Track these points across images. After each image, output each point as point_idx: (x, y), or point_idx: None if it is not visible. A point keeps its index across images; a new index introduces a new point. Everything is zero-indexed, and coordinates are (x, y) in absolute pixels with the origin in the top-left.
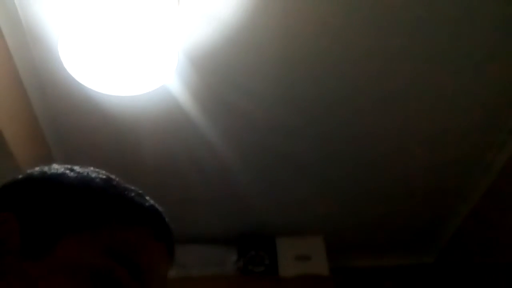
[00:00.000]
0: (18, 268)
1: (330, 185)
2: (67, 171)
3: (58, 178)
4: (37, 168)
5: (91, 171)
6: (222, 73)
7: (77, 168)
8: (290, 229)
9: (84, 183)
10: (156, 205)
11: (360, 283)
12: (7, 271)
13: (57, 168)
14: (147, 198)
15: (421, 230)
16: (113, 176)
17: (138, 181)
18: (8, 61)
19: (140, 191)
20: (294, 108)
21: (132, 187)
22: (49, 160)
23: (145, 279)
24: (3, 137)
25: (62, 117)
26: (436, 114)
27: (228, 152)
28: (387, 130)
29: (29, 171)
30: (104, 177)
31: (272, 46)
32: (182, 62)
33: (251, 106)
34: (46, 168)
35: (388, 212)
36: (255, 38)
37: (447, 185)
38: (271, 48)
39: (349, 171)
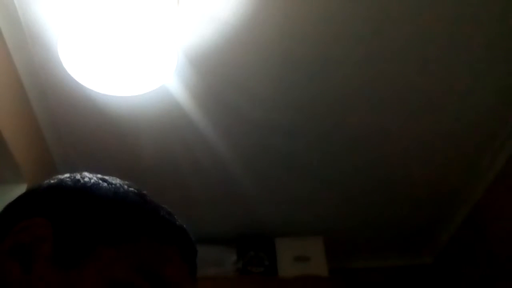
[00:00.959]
0: (47, 275)
1: (329, 186)
2: (100, 182)
3: (92, 189)
4: (67, 175)
5: (123, 184)
6: (222, 73)
7: (108, 178)
8: (289, 230)
9: (119, 196)
10: (185, 226)
11: (359, 284)
12: (36, 277)
13: (89, 177)
14: (176, 217)
15: (420, 231)
16: (145, 192)
17: (138, 181)
18: (7, 61)
19: (169, 210)
20: (294, 109)
21: (163, 205)
22: (48, 160)
23: None
24: (2, 137)
25: (62, 117)
26: (436, 115)
27: (227, 152)
28: (387, 132)
29: (60, 176)
30: (137, 191)
31: (272, 46)
32: (181, 62)
33: (251, 106)
34: (78, 176)
35: (387, 213)
36: (254, 38)
37: (446, 186)
38: (271, 48)
39: (348, 172)
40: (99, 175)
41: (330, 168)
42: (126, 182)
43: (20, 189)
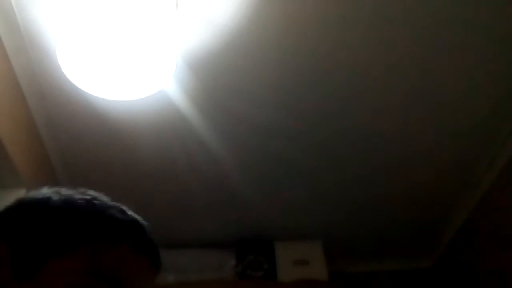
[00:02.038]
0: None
1: (329, 190)
2: (53, 195)
3: (44, 202)
4: (28, 194)
5: (77, 193)
6: (221, 77)
7: (64, 190)
8: (288, 234)
9: (67, 206)
10: (138, 219)
11: None
12: None
13: (45, 192)
14: (129, 213)
15: (419, 235)
16: (98, 195)
17: (137, 185)
18: (6, 65)
19: (122, 207)
20: (293, 113)
21: (115, 204)
22: (47, 164)
23: None
24: (1, 141)
25: (60, 121)
26: (436, 120)
27: (227, 157)
28: (386, 136)
29: (19, 198)
30: (87, 197)
31: (271, 50)
32: (180, 66)
33: (250, 110)
34: (36, 193)
35: (387, 217)
36: (253, 42)
37: (445, 190)
38: (270, 52)
39: (348, 176)
40: (56, 189)
41: (329, 172)
42: (85, 190)
43: (18, 194)
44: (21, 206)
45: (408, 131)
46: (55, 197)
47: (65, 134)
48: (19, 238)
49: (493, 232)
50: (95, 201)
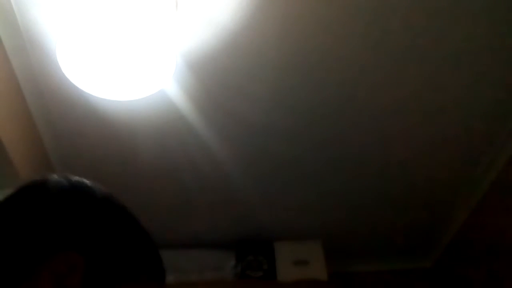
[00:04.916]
0: None
1: (328, 190)
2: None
3: (120, 226)
4: (61, 179)
5: (136, 220)
6: (221, 77)
7: (97, 188)
8: (288, 234)
9: (139, 236)
10: (157, 251)
11: None
12: None
13: (88, 186)
14: (153, 244)
15: (419, 235)
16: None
17: (136, 185)
18: (6, 65)
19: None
20: (293, 113)
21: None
22: (47, 165)
23: None
24: (0, 142)
25: (60, 121)
26: (436, 120)
27: (226, 157)
28: (386, 137)
29: (85, 194)
30: (144, 229)
31: (271, 50)
32: (180, 66)
33: (250, 110)
34: (103, 205)
35: (387, 217)
36: (253, 42)
37: (445, 189)
38: (270, 52)
39: (348, 176)
40: (93, 185)
41: (329, 172)
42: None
43: None
44: (93, 215)
45: (408, 131)
46: (126, 219)
47: (65, 134)
48: (100, 254)
49: (493, 232)
50: (149, 235)
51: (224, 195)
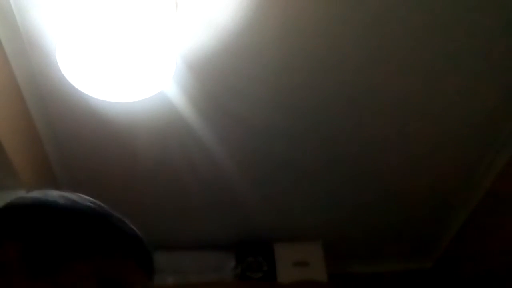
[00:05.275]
0: (22, 285)
1: (328, 191)
2: (60, 199)
3: (53, 205)
4: (30, 194)
5: (86, 200)
6: (220, 79)
7: (69, 195)
8: (288, 235)
9: (79, 212)
10: (138, 233)
11: None
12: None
13: (52, 195)
14: (131, 226)
15: (419, 236)
16: (98, 203)
17: (136, 187)
18: (6, 67)
19: (123, 219)
20: (293, 114)
21: (117, 215)
22: (47, 166)
23: None
24: (0, 143)
25: (60, 123)
26: (436, 121)
27: (226, 158)
28: (387, 137)
29: (22, 196)
30: (94, 205)
31: (271, 51)
32: (180, 68)
33: (250, 112)
34: (40, 195)
35: (387, 218)
36: (253, 43)
37: (445, 190)
38: (270, 54)
39: (347, 177)
40: (61, 193)
41: (328, 173)
42: (86, 197)
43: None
44: (28, 206)
45: (408, 132)
46: (66, 202)
47: (65, 135)
48: (39, 238)
49: (493, 232)
50: (112, 218)
51: (224, 197)
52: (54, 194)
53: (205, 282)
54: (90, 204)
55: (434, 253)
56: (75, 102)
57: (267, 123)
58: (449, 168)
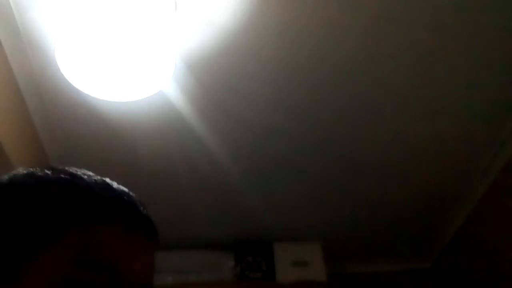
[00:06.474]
0: None
1: (328, 191)
2: (27, 179)
3: (17, 190)
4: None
5: (53, 174)
6: (220, 78)
7: (38, 172)
8: (287, 235)
9: (42, 190)
10: (126, 192)
11: None
12: None
13: (19, 176)
14: (115, 187)
15: (418, 236)
16: (79, 173)
17: (135, 186)
18: (5, 67)
19: (107, 181)
20: (293, 114)
21: (99, 179)
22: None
23: (123, 276)
24: (0, 143)
25: (59, 122)
26: (436, 121)
27: (225, 158)
28: (386, 138)
29: None
30: (67, 177)
31: (270, 51)
32: (179, 67)
33: (249, 111)
34: (5, 179)
35: (386, 218)
36: (252, 43)
37: (444, 190)
38: (269, 54)
39: (347, 177)
40: (30, 171)
41: (328, 173)
42: (62, 168)
43: None
44: None
45: (408, 132)
46: (30, 180)
47: (64, 135)
48: None
49: (493, 232)
50: (75, 180)
51: (223, 196)
52: (23, 174)
53: (204, 282)
54: (67, 176)
55: (434, 253)
56: (74, 101)
57: (267, 123)
58: (449, 168)
